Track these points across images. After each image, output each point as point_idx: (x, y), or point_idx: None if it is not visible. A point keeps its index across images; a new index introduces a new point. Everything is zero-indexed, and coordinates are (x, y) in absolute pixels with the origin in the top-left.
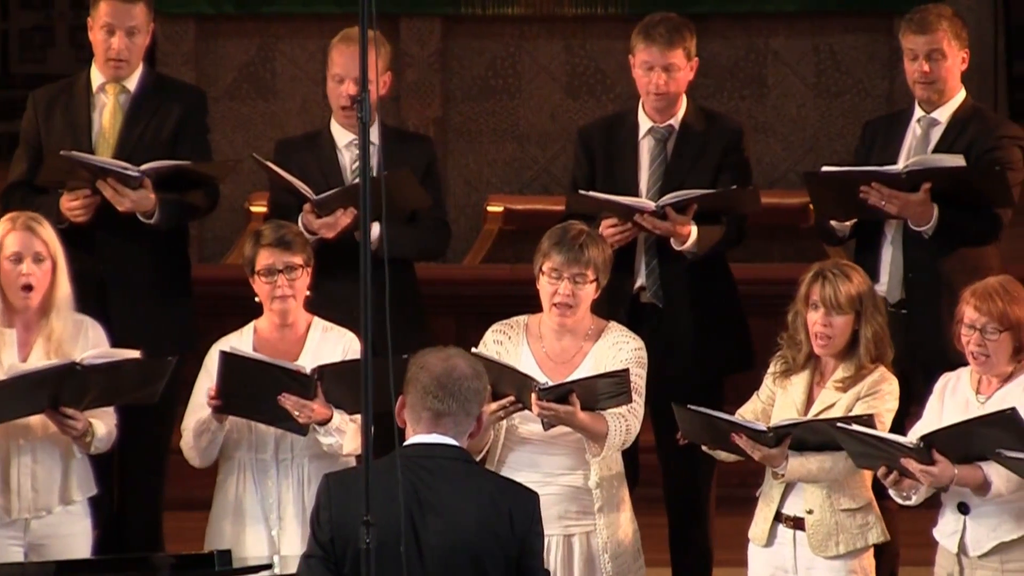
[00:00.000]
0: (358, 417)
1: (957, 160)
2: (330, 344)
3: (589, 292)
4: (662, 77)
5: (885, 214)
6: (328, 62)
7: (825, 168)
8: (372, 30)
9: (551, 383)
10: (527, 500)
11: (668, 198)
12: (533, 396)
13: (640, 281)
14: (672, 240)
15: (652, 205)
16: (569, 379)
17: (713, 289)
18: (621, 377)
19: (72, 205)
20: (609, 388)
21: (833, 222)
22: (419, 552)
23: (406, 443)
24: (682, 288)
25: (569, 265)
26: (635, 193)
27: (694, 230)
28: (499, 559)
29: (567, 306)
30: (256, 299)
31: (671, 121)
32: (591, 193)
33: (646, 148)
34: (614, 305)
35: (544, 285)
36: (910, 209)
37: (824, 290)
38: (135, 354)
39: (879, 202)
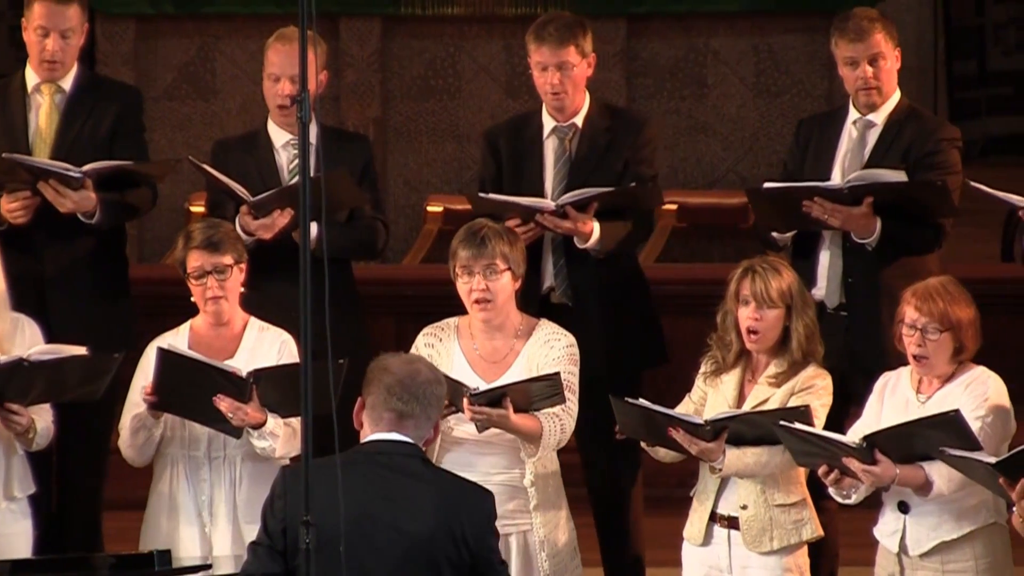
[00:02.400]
0: (292, 421)
1: (899, 176)
2: (266, 344)
3: (505, 284)
4: (556, 76)
5: (828, 226)
6: (264, 61)
7: (767, 184)
8: (310, 29)
9: (483, 388)
10: (483, 500)
11: (567, 197)
12: (465, 401)
13: (548, 282)
14: (576, 239)
15: (552, 205)
16: (502, 380)
17: (622, 285)
18: (553, 380)
19: (12, 207)
20: (542, 391)
21: (774, 232)
22: (375, 547)
23: (365, 439)
24: (591, 286)
25: (476, 259)
26: (540, 192)
27: (596, 227)
28: (453, 556)
29: (485, 300)
30: (193, 299)
31: (574, 119)
32: (491, 195)
33: (550, 147)
34: (524, 305)
35: (461, 286)
36: (853, 222)
37: (755, 285)
38: (81, 350)
39: (822, 215)
